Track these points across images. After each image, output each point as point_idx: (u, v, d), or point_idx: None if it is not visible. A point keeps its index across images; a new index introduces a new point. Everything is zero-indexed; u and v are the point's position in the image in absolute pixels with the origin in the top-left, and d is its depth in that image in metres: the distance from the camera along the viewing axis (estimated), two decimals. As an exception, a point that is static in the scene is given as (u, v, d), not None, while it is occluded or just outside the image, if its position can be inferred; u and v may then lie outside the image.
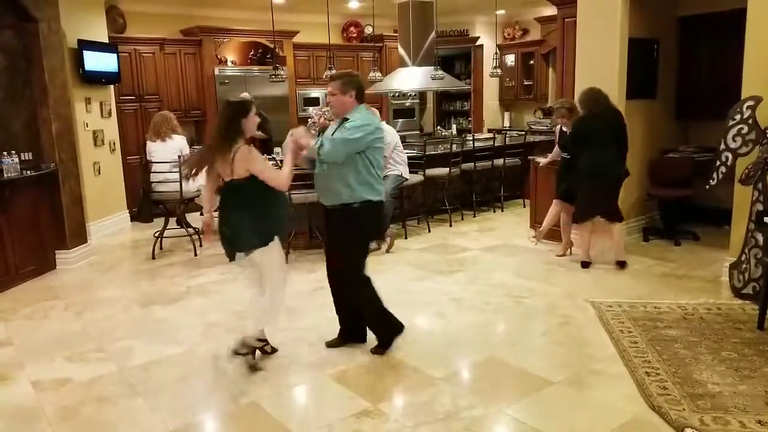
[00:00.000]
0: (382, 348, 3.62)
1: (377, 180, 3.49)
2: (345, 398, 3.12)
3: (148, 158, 6.12)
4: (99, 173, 6.98)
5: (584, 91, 4.99)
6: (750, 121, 4.11)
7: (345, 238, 3.52)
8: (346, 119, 3.43)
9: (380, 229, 3.90)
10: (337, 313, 3.75)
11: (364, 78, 8.84)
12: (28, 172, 5.27)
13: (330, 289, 3.73)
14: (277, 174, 3.37)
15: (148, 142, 6.18)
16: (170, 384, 3.34)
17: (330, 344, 3.71)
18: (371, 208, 3.46)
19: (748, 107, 4.13)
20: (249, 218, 3.30)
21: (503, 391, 3.16)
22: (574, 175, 5.22)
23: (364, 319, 3.68)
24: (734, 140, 4.19)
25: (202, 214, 7.02)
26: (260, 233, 3.33)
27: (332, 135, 3.46)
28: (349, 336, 3.73)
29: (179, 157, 5.86)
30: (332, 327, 3.78)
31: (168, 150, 6.00)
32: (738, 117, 4.16)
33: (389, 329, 3.66)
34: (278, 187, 3.34)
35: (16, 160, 5.10)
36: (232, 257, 3.43)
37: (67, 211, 5.65)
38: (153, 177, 5.94)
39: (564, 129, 5.35)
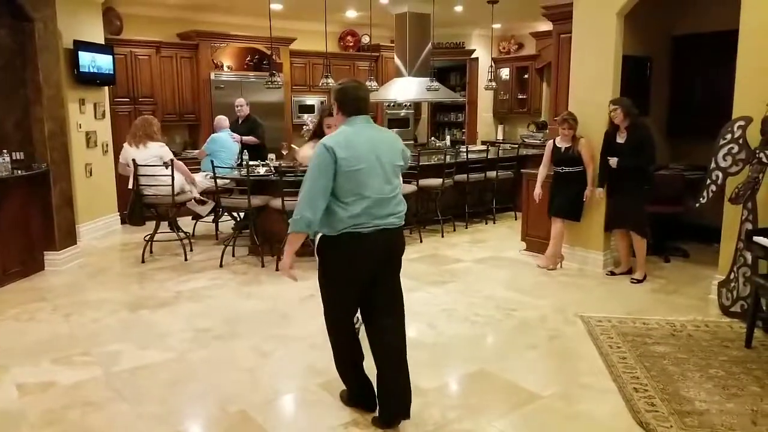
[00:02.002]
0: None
1: (334, 211, 2.76)
2: (334, 408, 3.10)
3: (121, 159, 6.02)
4: (90, 175, 6.95)
5: (631, 102, 5.02)
6: (740, 141, 4.16)
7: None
8: None
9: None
10: None
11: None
12: (19, 171, 5.23)
13: None
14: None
15: (125, 144, 6.06)
16: (158, 390, 3.31)
17: None
18: (325, 246, 2.85)
19: (738, 127, 4.18)
20: None
21: (492, 404, 3.16)
22: (579, 189, 5.28)
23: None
24: (724, 159, 4.24)
25: (193, 219, 7.01)
26: None
27: None
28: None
29: (171, 161, 5.82)
30: (323, 335, 3.76)
31: (143, 157, 5.83)
32: (729, 136, 4.21)
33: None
34: None
35: (8, 159, 5.08)
36: None
37: (57, 212, 5.60)
38: (141, 180, 5.85)
39: (558, 144, 5.36)
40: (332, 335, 3.03)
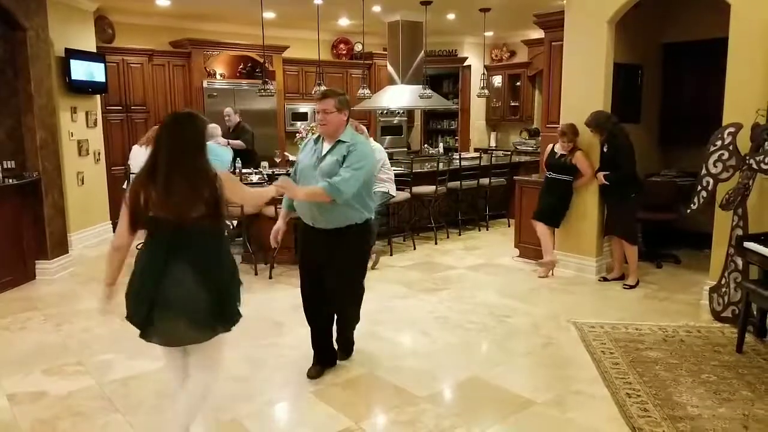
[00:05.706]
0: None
1: (372, 199, 3.55)
2: (327, 416, 3.09)
3: (128, 161, 6.11)
4: (82, 183, 6.92)
5: (608, 114, 5.10)
6: (731, 148, 4.20)
7: (354, 256, 3.49)
8: (341, 141, 3.31)
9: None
10: (318, 342, 3.61)
11: (352, 95, 8.99)
12: (10, 180, 5.20)
13: (310, 313, 3.55)
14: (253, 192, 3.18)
15: (134, 146, 6.17)
16: (149, 400, 3.29)
17: (312, 375, 3.54)
18: (370, 225, 3.57)
19: (729, 134, 4.22)
20: (216, 287, 2.53)
21: (486, 411, 3.16)
22: (560, 197, 5.34)
23: (345, 333, 3.74)
24: (715, 166, 4.27)
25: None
26: (228, 311, 2.64)
27: (328, 160, 3.28)
28: (328, 361, 3.66)
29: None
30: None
31: (142, 160, 5.91)
32: (719, 143, 4.25)
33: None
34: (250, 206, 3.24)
35: (-1, 168, 5.06)
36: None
37: (49, 221, 5.57)
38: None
39: (556, 150, 5.38)
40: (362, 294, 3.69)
